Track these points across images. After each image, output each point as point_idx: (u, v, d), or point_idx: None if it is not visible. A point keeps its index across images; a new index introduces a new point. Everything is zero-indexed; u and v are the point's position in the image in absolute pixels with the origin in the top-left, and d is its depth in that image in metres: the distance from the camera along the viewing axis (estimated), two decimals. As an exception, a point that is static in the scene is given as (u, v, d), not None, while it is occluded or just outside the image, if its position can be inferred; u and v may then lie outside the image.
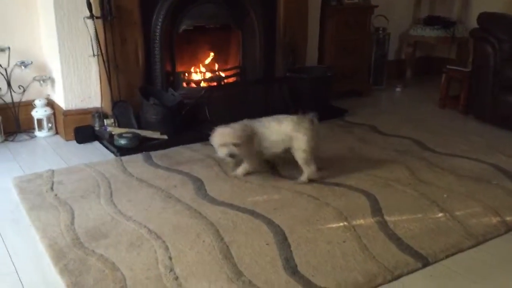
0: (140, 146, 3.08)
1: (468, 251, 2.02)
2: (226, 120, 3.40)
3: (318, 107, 3.80)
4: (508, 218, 2.24)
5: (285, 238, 2.06)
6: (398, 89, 4.76)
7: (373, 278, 1.81)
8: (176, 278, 1.80)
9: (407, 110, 4.11)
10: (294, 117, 2.63)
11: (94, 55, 3.21)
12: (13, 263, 1.92)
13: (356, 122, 3.71)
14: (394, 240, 2.06)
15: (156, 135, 3.19)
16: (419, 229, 2.15)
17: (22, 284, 1.79)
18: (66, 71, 3.23)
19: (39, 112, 3.35)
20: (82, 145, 3.22)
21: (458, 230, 2.15)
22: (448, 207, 2.35)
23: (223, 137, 2.55)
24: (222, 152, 2.54)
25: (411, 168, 2.84)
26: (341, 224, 2.19)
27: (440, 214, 2.28)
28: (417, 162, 2.93)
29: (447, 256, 1.97)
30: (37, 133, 3.39)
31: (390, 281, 1.81)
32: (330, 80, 3.86)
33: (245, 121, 2.66)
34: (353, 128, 3.59)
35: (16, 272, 1.86)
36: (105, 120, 3.27)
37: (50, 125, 3.40)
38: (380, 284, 1.79)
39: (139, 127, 3.23)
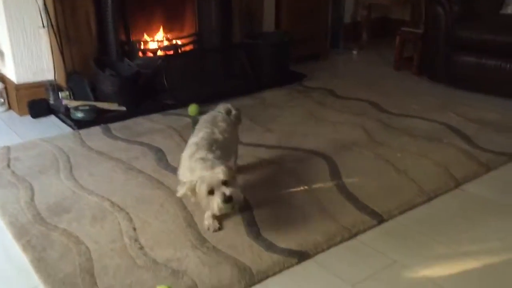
0: (98, 118, 3.03)
1: (420, 207, 2.13)
2: (184, 89, 3.39)
3: (277, 72, 3.84)
4: (457, 175, 2.36)
5: (248, 204, 2.11)
6: (354, 52, 4.82)
7: (332, 237, 1.89)
8: (141, 248, 1.82)
9: (364, 72, 4.19)
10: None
11: (43, 26, 3.10)
12: (-27, 242, 1.90)
13: (314, 87, 3.76)
14: (351, 201, 2.14)
15: (114, 106, 3.14)
16: (375, 188, 2.25)
17: (-16, 263, 1.78)
18: (15, 43, 3.11)
19: (-10, 87, 3.24)
20: (37, 119, 3.15)
21: (411, 187, 2.25)
22: (402, 166, 2.45)
23: (209, 178, 1.77)
24: (215, 204, 1.77)
25: (368, 130, 2.92)
26: (301, 187, 2.26)
27: (395, 173, 2.38)
28: (373, 123, 3.02)
29: (400, 213, 2.07)
30: (-11, 109, 3.28)
31: (348, 239, 1.90)
32: (287, 45, 3.87)
33: (203, 133, 2.02)
34: (312, 92, 3.64)
35: (-23, 251, 1.85)
36: (59, 93, 3.19)
37: (2, 100, 3.30)
38: (339, 242, 1.88)
39: (96, 99, 3.17)
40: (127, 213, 2.04)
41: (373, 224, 1.99)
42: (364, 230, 1.95)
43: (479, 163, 2.49)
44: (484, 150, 2.63)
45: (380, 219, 2.01)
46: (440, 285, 1.65)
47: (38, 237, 1.89)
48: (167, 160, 2.53)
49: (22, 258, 1.79)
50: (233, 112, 2.28)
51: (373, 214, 2.04)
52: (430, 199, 2.18)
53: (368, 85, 3.81)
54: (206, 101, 3.35)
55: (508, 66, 3.36)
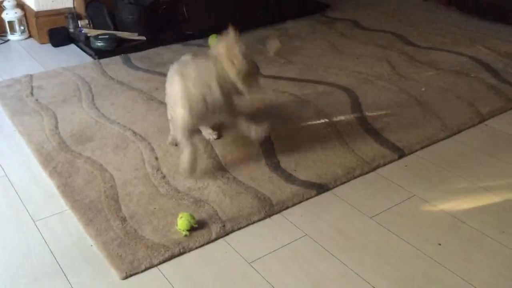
0: (118, 48, 3.01)
1: (442, 141, 2.11)
2: (205, 19, 3.32)
3: (299, 2, 3.71)
4: (482, 110, 2.32)
5: (268, 136, 2.11)
6: (381, -19, 4.60)
7: (351, 170, 1.90)
8: (164, 177, 1.87)
9: (390, 2, 4.02)
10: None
11: (61, -50, 3.02)
12: (1, 167, 1.96)
13: (337, 17, 3.64)
14: (372, 134, 2.13)
15: (134, 36, 3.10)
16: (397, 122, 2.22)
17: (13, 187, 1.84)
18: (33, -31, 3.05)
19: (10, 14, 3.21)
20: (57, 48, 3.14)
21: (434, 122, 2.22)
22: (426, 100, 2.41)
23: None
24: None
25: (392, 63, 2.85)
26: (322, 120, 2.25)
27: (418, 108, 2.34)
28: (397, 56, 2.94)
29: (422, 148, 2.06)
30: (10, 36, 3.27)
31: (367, 173, 1.91)
32: (311, -27, 3.72)
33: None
34: (335, 23, 3.53)
35: (6, 176, 1.91)
36: (79, 21, 3.16)
37: (22, 27, 3.28)
38: (358, 175, 1.89)
39: (115, 28, 3.13)
40: (149, 143, 2.07)
41: (394, 158, 1.98)
42: (384, 164, 1.95)
43: (506, 98, 2.42)
44: (512, 85, 2.56)
45: (401, 153, 2.01)
46: (459, 219, 1.66)
47: (64, 164, 1.94)
48: (187, 91, 2.52)
49: (49, 184, 1.85)
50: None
51: (393, 148, 2.03)
52: (453, 134, 2.15)
53: (394, 16, 3.66)
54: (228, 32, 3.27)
55: (544, -4, 3.18)
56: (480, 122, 2.24)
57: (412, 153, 2.03)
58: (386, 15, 3.67)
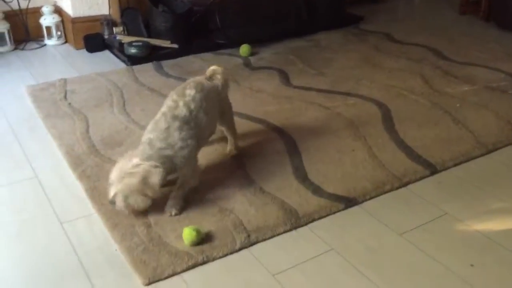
0: (150, 55, 3.04)
1: (477, 159, 2.04)
2: (237, 28, 3.33)
3: (332, 14, 3.69)
4: (520, 128, 2.24)
5: (296, 147, 2.09)
6: (416, -6, 4.55)
7: (381, 185, 1.85)
8: (190, 184, 1.86)
9: (425, 16, 3.96)
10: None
11: (99, -42, 3.09)
12: (32, 168, 1.99)
13: (371, 30, 3.60)
14: (403, 149, 2.08)
15: (166, 43, 3.14)
16: (430, 138, 2.16)
17: (42, 188, 1.87)
18: (72, -24, 3.13)
19: (47, 20, 3.30)
20: (92, 54, 3.20)
21: (469, 139, 2.15)
22: (460, 116, 2.34)
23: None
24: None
25: (425, 77, 2.79)
26: (352, 133, 2.21)
27: (452, 124, 2.28)
28: (431, 71, 2.87)
29: (456, 165, 1.99)
30: (47, 41, 3.35)
31: (398, 188, 1.85)
32: (345, -15, 3.70)
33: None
34: (368, 36, 3.49)
35: (36, 177, 1.94)
36: (114, 28, 3.21)
37: (59, 33, 3.36)
38: (388, 191, 1.84)
39: (149, 36, 3.17)
40: (177, 150, 2.07)
41: (425, 174, 1.93)
42: (415, 180, 1.90)
43: (545, 117, 2.34)
44: (552, 103, 2.46)
45: (433, 170, 1.95)
46: (494, 240, 1.59)
47: (93, 167, 1.96)
48: (217, 100, 2.52)
49: (78, 187, 1.86)
50: (219, 75, 1.95)
51: (426, 164, 1.97)
52: (488, 152, 2.08)
53: (428, 30, 3.60)
54: (259, 42, 3.28)
55: None
56: (517, 140, 2.17)
57: (445, 169, 1.96)
58: (420, 29, 3.61)
